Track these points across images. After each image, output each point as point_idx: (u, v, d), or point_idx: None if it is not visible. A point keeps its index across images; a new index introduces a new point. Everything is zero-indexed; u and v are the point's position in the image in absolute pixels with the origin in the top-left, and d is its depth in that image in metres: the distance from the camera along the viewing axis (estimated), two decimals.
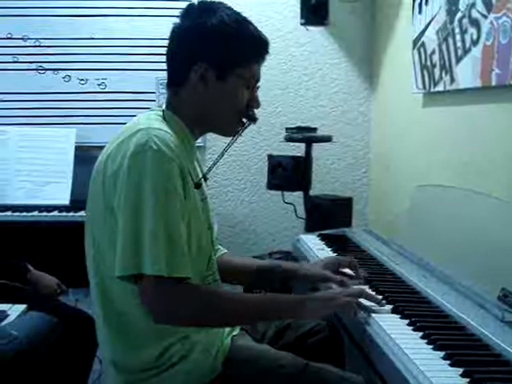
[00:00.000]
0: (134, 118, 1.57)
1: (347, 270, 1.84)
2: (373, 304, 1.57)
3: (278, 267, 1.84)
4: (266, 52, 1.61)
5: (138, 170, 1.40)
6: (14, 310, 1.88)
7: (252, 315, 1.53)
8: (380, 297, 1.63)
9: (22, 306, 1.91)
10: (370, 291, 1.67)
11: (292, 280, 1.87)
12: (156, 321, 1.43)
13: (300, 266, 1.94)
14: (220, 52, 1.54)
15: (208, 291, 1.54)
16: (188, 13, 1.58)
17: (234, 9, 1.60)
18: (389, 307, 1.59)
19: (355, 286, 1.69)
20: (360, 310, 1.52)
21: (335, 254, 2.16)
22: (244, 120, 1.62)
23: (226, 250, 1.86)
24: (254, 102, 1.62)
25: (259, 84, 1.63)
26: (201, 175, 1.63)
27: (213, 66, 1.54)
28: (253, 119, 1.63)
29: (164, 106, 1.60)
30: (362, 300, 1.55)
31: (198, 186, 1.57)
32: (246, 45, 1.57)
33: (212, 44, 1.54)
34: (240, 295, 1.62)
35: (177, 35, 1.58)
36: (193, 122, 1.59)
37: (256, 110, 1.64)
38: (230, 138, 1.65)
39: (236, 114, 1.61)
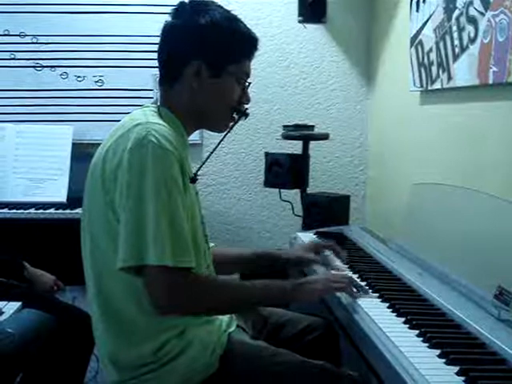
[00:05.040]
0: (129, 114, 1.58)
1: (328, 253, 1.99)
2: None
3: (265, 254, 1.98)
4: (256, 49, 1.65)
5: (138, 164, 1.40)
6: (9, 308, 1.88)
7: (256, 300, 1.58)
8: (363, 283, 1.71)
9: (18, 304, 1.91)
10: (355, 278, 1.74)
11: (277, 264, 2.00)
12: (161, 312, 1.43)
13: (283, 251, 2.13)
14: (213, 50, 1.57)
15: (212, 280, 1.57)
16: (179, 11, 1.61)
17: (232, 6, 1.67)
18: (375, 295, 1.68)
19: (342, 273, 1.81)
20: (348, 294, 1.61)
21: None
22: (236, 115, 1.65)
23: (213, 244, 1.87)
24: (245, 98, 1.65)
25: (250, 80, 1.66)
26: (193, 170, 1.64)
27: (206, 63, 1.57)
28: (245, 114, 1.66)
29: (158, 103, 1.61)
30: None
31: (194, 180, 1.59)
32: (238, 42, 1.60)
33: (205, 42, 1.56)
34: (241, 283, 1.65)
35: (169, 34, 1.61)
36: (186, 119, 1.61)
37: (253, 108, 1.67)
38: (223, 134, 1.69)
39: (229, 110, 1.64)
